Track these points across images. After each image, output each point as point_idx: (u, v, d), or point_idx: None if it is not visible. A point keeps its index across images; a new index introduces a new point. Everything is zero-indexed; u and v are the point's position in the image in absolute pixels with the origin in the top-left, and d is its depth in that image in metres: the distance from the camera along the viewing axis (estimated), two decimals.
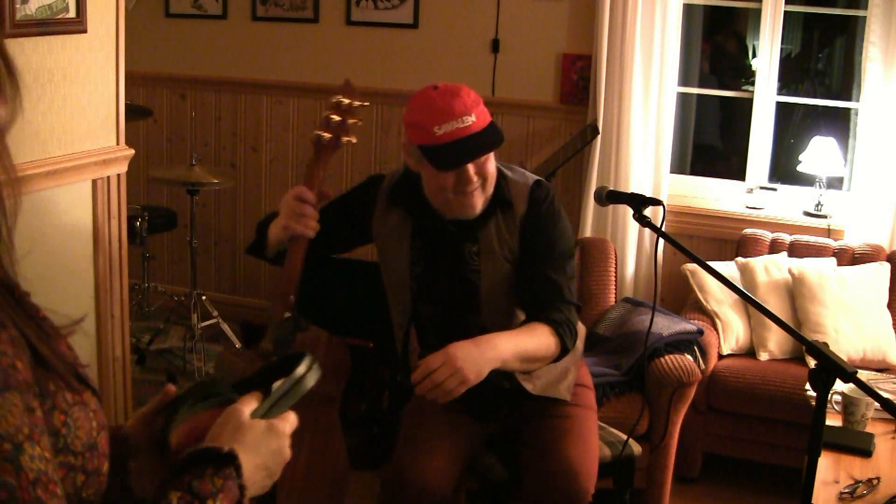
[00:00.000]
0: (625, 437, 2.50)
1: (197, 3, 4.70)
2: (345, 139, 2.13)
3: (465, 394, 1.99)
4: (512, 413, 2.39)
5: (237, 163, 4.80)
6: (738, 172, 4.18)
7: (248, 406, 1.10)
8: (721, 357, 3.45)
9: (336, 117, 2.10)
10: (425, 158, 2.11)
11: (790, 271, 3.51)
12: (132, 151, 2.86)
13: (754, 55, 4.39)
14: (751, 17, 4.92)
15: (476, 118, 2.07)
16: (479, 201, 2.18)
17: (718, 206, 4.09)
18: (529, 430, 2.38)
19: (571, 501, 2.19)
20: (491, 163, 2.16)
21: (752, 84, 4.10)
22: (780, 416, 3.24)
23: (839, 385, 1.85)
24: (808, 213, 3.93)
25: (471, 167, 2.11)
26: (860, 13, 3.93)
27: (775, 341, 3.44)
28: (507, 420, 2.42)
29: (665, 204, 2.29)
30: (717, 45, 5.15)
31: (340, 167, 4.61)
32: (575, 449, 2.27)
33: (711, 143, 5.28)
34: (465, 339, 2.02)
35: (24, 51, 2.44)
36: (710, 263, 2.18)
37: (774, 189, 4.07)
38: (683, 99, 4.37)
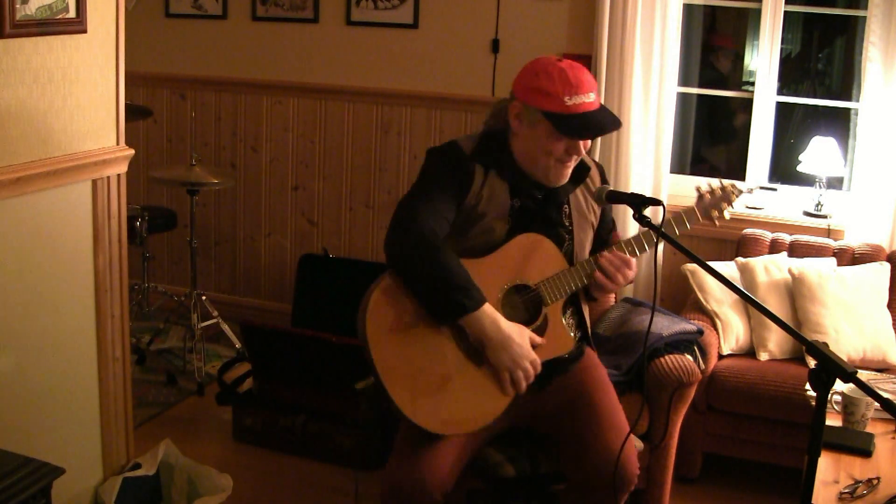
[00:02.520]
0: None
1: (197, 3, 4.70)
2: (714, 213, 2.51)
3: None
4: (566, 379, 2.48)
5: (237, 163, 4.80)
6: (738, 172, 4.18)
7: None
8: (721, 357, 3.45)
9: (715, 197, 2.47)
10: (549, 123, 2.26)
11: (790, 271, 3.51)
12: (132, 151, 2.86)
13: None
14: (751, 17, 4.91)
15: (596, 98, 2.30)
16: (569, 173, 2.40)
17: None
18: (560, 424, 2.43)
19: (620, 490, 2.30)
20: (590, 141, 2.39)
21: (752, 84, 4.10)
22: (780, 416, 3.24)
23: (839, 385, 1.85)
24: (808, 213, 3.93)
25: (582, 141, 2.32)
26: (860, 13, 3.93)
27: (775, 341, 3.44)
28: (550, 394, 2.47)
29: (665, 204, 2.30)
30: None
31: (341, 167, 4.61)
32: (614, 436, 2.33)
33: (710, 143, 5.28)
34: None
35: (23, 51, 2.43)
36: (710, 263, 2.18)
37: (774, 189, 4.07)
38: (683, 99, 4.37)
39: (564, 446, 2.43)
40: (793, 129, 4.84)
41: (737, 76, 5.18)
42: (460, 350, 2.28)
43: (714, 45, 4.97)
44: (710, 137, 5.18)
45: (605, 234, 2.60)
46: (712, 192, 2.49)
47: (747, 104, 4.14)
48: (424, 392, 2.24)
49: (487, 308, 2.23)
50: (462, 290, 2.20)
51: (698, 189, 2.52)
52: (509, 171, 2.38)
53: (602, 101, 2.36)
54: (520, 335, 2.27)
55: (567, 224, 2.46)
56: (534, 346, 2.31)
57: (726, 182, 2.54)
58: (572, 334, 2.44)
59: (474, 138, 2.42)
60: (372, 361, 2.20)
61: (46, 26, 2.46)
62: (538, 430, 2.52)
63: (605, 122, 2.30)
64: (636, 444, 2.64)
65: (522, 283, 2.36)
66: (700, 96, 4.67)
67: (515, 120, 2.34)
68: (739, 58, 5.09)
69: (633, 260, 2.41)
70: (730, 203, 2.50)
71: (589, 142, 2.36)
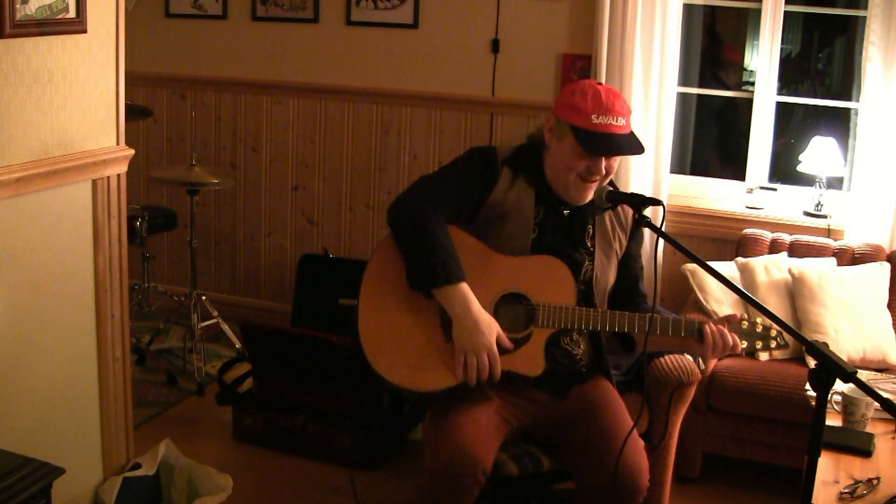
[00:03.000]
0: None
1: (197, 3, 4.70)
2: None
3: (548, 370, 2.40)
4: (580, 390, 2.51)
5: (237, 163, 4.80)
6: (738, 172, 4.18)
7: None
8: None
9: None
10: (574, 137, 2.33)
11: (790, 271, 3.51)
12: (132, 151, 2.86)
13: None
14: (751, 17, 4.91)
15: (626, 124, 2.35)
16: (591, 193, 2.41)
17: (718, 206, 4.09)
18: (574, 430, 2.43)
19: (629, 500, 2.34)
20: (616, 165, 2.43)
21: (752, 84, 4.10)
22: (780, 416, 3.24)
23: (839, 385, 1.85)
24: (808, 213, 3.93)
25: (604, 162, 2.36)
26: (860, 13, 3.93)
27: None
28: (567, 401, 2.49)
29: (665, 204, 2.31)
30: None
31: (341, 167, 4.61)
32: (627, 449, 2.33)
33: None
34: None
35: (24, 51, 2.43)
36: (710, 263, 2.18)
37: (774, 189, 4.07)
38: (683, 99, 4.37)
39: (578, 452, 2.42)
40: (793, 129, 4.84)
41: (738, 79, 5.19)
42: (437, 317, 2.36)
43: (723, 60, 4.97)
44: (711, 137, 5.18)
45: (635, 271, 2.61)
46: (753, 325, 2.32)
47: (747, 104, 4.14)
48: (388, 338, 2.36)
49: (463, 286, 2.30)
50: (441, 262, 2.29)
51: (742, 316, 2.35)
52: (537, 181, 2.46)
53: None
54: (487, 325, 2.30)
55: (589, 245, 2.48)
56: (502, 352, 2.32)
57: (773, 328, 2.32)
58: (574, 358, 2.48)
59: (514, 147, 2.52)
60: (357, 296, 2.40)
61: (46, 26, 2.46)
62: (555, 438, 2.50)
63: (624, 145, 2.36)
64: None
65: (527, 295, 2.38)
66: (701, 98, 4.68)
67: (548, 133, 2.43)
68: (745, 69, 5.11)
69: (738, 345, 2.31)
70: (765, 347, 2.32)
71: (615, 164, 2.40)
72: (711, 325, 2.31)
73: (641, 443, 2.43)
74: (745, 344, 2.30)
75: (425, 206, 2.36)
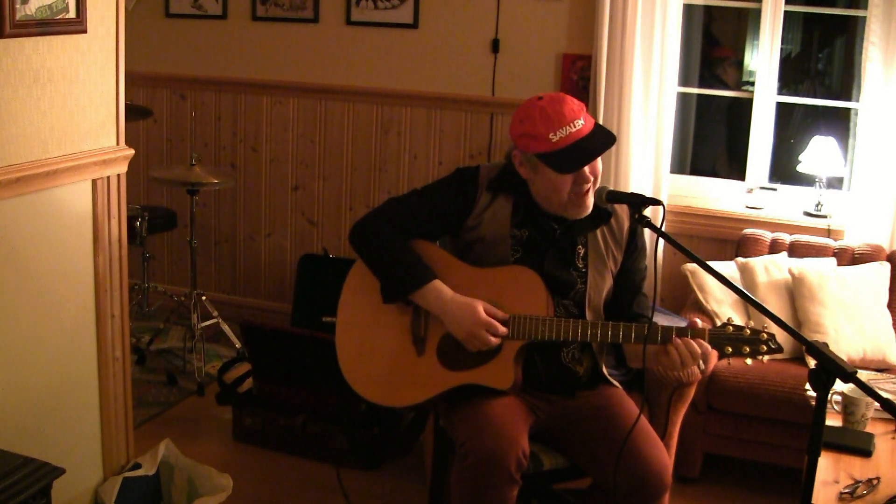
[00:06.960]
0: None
1: (197, 3, 4.70)
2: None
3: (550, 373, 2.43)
4: (592, 392, 2.49)
5: (237, 163, 4.80)
6: (738, 172, 4.18)
7: None
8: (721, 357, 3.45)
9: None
10: (545, 165, 2.28)
11: (790, 271, 3.51)
12: (132, 151, 2.86)
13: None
14: (751, 17, 4.91)
15: (584, 121, 2.27)
16: (591, 200, 2.35)
17: (718, 206, 4.09)
18: (592, 428, 2.40)
19: (659, 495, 2.29)
20: (600, 162, 2.35)
21: (752, 84, 4.10)
22: (780, 416, 3.24)
23: (839, 385, 1.85)
24: (808, 213, 3.94)
25: (587, 167, 2.29)
26: (860, 13, 3.93)
27: None
28: (574, 402, 2.47)
29: (665, 204, 2.30)
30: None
31: (341, 167, 4.61)
32: (650, 447, 2.31)
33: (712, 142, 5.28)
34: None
35: (24, 51, 2.43)
36: (710, 263, 2.18)
37: (774, 189, 4.07)
38: (683, 99, 4.37)
39: (598, 449, 2.37)
40: (793, 129, 4.84)
41: (737, 76, 5.18)
42: (409, 334, 2.40)
43: (717, 58, 4.97)
44: (711, 137, 5.18)
45: (634, 286, 2.52)
46: (740, 330, 2.23)
47: (748, 104, 4.14)
48: (363, 355, 2.44)
49: (433, 284, 2.33)
50: (405, 269, 2.34)
51: (729, 320, 2.26)
52: (524, 201, 2.41)
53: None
54: (467, 306, 2.31)
55: (581, 266, 2.44)
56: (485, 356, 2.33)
57: (765, 332, 2.22)
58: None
59: (499, 167, 2.47)
60: (336, 314, 2.50)
61: (46, 26, 2.46)
62: (574, 435, 2.46)
63: (596, 146, 2.29)
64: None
65: (497, 306, 2.36)
66: (701, 98, 4.67)
67: (521, 168, 2.38)
68: (741, 62, 5.10)
69: (713, 354, 2.23)
70: (754, 352, 2.21)
71: (599, 166, 2.34)
72: (678, 339, 2.21)
73: (660, 440, 2.41)
74: (729, 350, 2.21)
75: (383, 226, 2.41)
